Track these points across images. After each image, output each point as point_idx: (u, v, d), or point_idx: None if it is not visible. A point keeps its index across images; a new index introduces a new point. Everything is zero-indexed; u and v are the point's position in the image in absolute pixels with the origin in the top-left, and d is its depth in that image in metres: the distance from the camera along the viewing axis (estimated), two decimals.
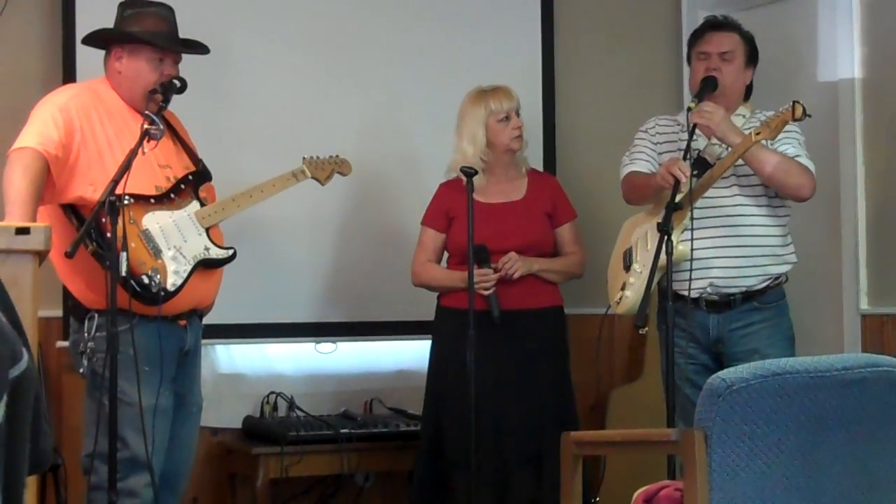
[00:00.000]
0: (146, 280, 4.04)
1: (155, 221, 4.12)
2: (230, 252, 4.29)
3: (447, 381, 4.85)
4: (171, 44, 4.23)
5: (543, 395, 4.85)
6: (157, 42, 4.19)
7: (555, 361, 4.93)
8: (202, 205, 4.27)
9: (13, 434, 1.50)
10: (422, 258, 5.03)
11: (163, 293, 4.06)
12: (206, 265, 4.23)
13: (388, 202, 5.57)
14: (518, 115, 4.95)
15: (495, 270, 4.80)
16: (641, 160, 4.64)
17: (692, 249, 4.29)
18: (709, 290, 4.42)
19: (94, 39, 4.31)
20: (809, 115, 4.19)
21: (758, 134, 4.23)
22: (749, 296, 4.43)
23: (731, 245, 4.43)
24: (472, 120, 4.92)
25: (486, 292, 4.76)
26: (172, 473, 4.23)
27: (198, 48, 4.33)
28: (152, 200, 4.14)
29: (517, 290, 4.83)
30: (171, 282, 4.11)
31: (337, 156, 4.74)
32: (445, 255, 5.07)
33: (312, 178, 4.62)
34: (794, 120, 4.19)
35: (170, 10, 4.29)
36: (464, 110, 4.97)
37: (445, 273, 5.00)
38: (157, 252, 4.10)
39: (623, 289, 4.51)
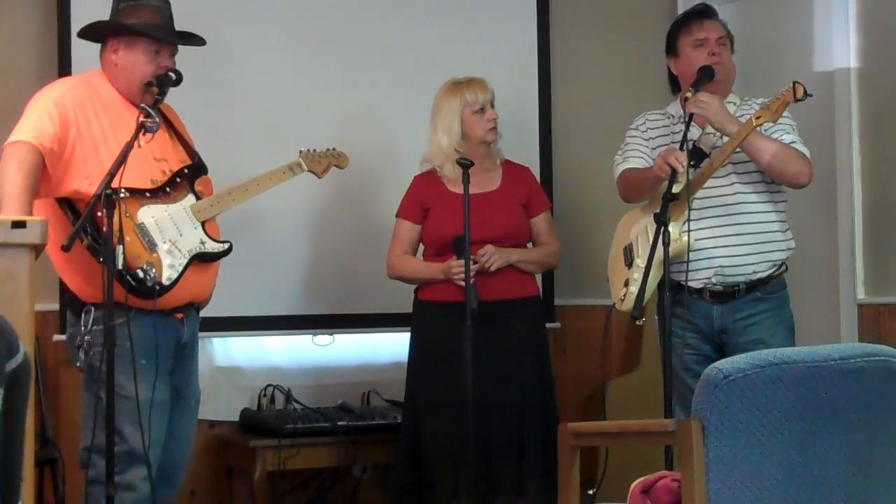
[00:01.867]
0: (141, 274, 4.03)
1: (150, 215, 4.12)
2: (226, 246, 4.29)
3: (429, 374, 4.85)
4: (167, 35, 4.22)
5: (525, 385, 4.85)
6: (153, 34, 4.18)
7: (535, 351, 4.93)
8: (198, 198, 4.27)
9: (10, 427, 1.50)
10: (397, 251, 5.02)
11: (158, 287, 4.06)
12: (202, 259, 4.23)
13: (385, 194, 5.56)
14: (493, 106, 4.94)
15: (473, 262, 4.79)
16: (635, 157, 4.63)
17: (689, 240, 4.29)
18: (713, 279, 4.42)
19: (90, 32, 4.30)
20: (811, 95, 4.18)
21: (758, 118, 4.23)
22: (753, 286, 4.43)
23: (733, 234, 4.43)
24: (447, 111, 4.91)
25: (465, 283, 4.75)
26: (170, 467, 4.23)
27: (194, 40, 4.33)
28: (147, 194, 4.14)
29: (495, 281, 4.83)
30: (167, 276, 4.10)
31: (334, 149, 4.73)
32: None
33: (309, 171, 4.61)
34: (796, 100, 4.17)
35: (165, 2, 4.28)
36: (439, 102, 4.96)
37: (424, 265, 4.99)
38: (152, 246, 4.10)
39: (627, 285, 4.50)
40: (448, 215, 4.79)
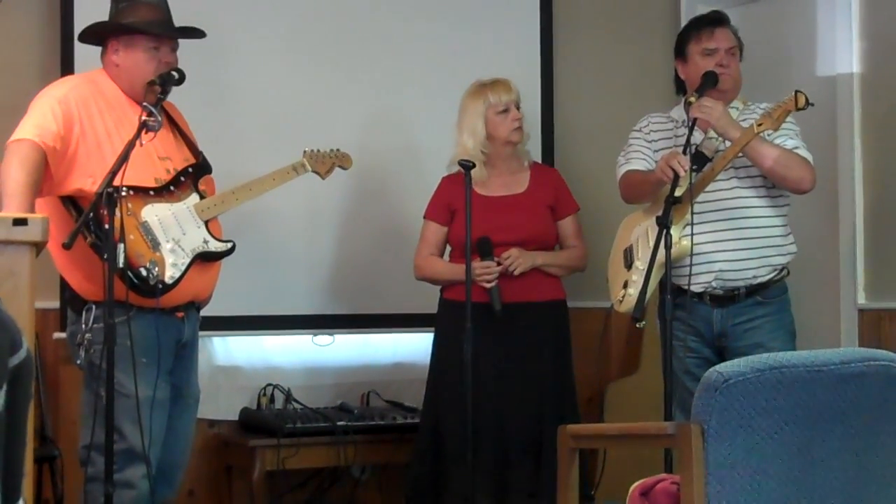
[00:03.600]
0: (144, 272, 4.03)
1: (154, 214, 4.12)
2: (229, 245, 4.29)
3: (449, 373, 4.85)
4: (164, 30, 4.20)
5: (544, 389, 4.85)
6: (150, 30, 4.17)
7: (556, 354, 4.93)
8: (202, 197, 4.26)
9: (12, 422, 1.51)
10: (424, 252, 5.04)
11: (160, 286, 4.06)
12: (205, 258, 4.22)
13: (386, 195, 5.57)
14: (518, 107, 4.95)
15: (498, 264, 4.80)
16: (637, 158, 4.64)
17: (690, 244, 4.30)
18: (714, 283, 4.42)
19: (90, 35, 4.29)
20: (812, 104, 4.18)
21: (760, 125, 4.22)
22: (753, 290, 4.43)
23: (733, 238, 4.43)
24: (471, 113, 4.93)
25: (489, 285, 4.76)
26: (169, 465, 4.22)
27: (193, 33, 4.30)
28: (151, 192, 4.13)
29: (520, 284, 4.84)
30: (170, 274, 4.10)
31: (338, 149, 4.71)
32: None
33: (313, 171, 4.59)
34: (798, 109, 4.17)
35: None
36: (464, 104, 4.98)
37: (448, 266, 5.00)
38: (155, 244, 4.10)
39: (626, 287, 4.50)
40: (475, 217, 4.78)
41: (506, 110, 4.92)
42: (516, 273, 4.83)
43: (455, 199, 4.94)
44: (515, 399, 4.81)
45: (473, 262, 4.77)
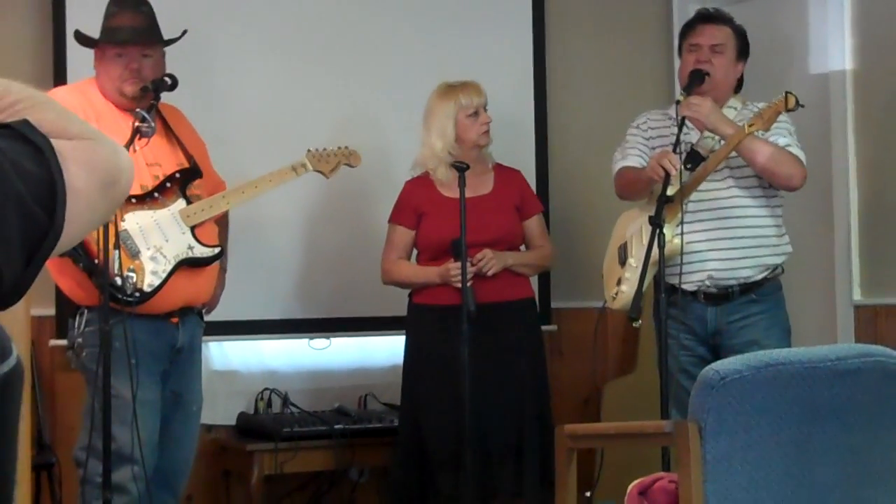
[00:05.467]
0: (119, 281, 3.98)
1: (134, 221, 4.08)
2: (215, 251, 4.24)
3: (425, 378, 4.85)
4: (131, 37, 4.15)
5: (522, 387, 4.85)
6: (111, 38, 4.15)
7: (531, 353, 4.93)
8: (189, 202, 4.23)
9: (2, 431, 1.50)
10: (392, 256, 5.01)
11: (138, 294, 4.02)
12: (191, 264, 4.18)
13: (382, 198, 5.54)
14: (486, 110, 4.94)
15: (470, 265, 4.78)
16: (633, 155, 4.64)
17: (683, 243, 4.30)
18: (707, 282, 4.43)
19: (83, 43, 4.30)
20: (802, 106, 4.21)
21: (751, 125, 4.24)
22: (747, 288, 4.44)
23: (726, 237, 4.44)
24: (441, 114, 4.90)
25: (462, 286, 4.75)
26: (170, 472, 4.21)
27: (153, 36, 4.23)
28: (133, 200, 4.09)
29: (490, 284, 4.82)
30: (149, 282, 4.06)
31: (345, 147, 4.62)
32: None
33: (315, 170, 4.50)
34: (787, 110, 4.21)
35: (144, 3, 4.23)
36: (432, 105, 4.94)
37: (419, 269, 4.99)
38: (134, 252, 4.06)
39: (619, 284, 4.51)
40: (443, 219, 4.79)
41: (476, 113, 4.90)
42: (490, 273, 4.82)
43: (421, 202, 4.94)
44: (494, 399, 4.78)
45: (447, 263, 4.78)
